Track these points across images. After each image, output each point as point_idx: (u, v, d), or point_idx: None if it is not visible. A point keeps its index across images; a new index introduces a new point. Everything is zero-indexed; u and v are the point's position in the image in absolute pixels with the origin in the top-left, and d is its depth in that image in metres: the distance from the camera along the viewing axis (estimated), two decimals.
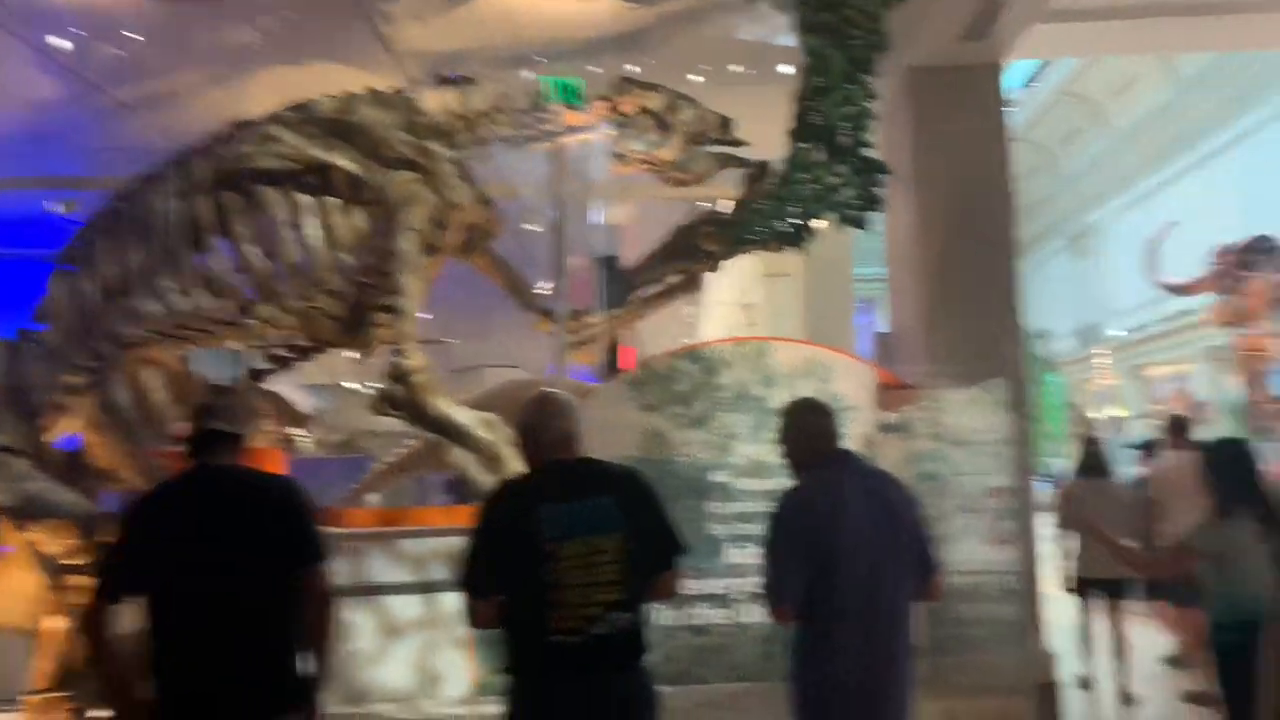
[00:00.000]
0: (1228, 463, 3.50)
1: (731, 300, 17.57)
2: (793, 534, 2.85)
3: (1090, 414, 24.00)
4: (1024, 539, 4.89)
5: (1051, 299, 30.57)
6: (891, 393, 6.21)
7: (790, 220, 4.44)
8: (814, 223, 4.45)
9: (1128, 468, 11.22)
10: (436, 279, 4.85)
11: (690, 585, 5.87)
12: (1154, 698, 6.54)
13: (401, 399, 4.17)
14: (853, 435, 6.29)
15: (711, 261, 4.88)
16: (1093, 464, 6.92)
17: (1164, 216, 13.75)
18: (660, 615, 5.76)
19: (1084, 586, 6.64)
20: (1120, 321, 26.69)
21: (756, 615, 5.40)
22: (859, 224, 4.39)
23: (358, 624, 5.73)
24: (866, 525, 2.86)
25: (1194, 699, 5.88)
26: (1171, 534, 5.65)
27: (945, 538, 5.99)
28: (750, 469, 5.43)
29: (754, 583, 5.34)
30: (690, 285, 4.98)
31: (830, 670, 2.79)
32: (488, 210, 4.76)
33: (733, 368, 6.00)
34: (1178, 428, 6.81)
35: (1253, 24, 7.58)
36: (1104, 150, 27.25)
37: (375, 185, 4.41)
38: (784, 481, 3.14)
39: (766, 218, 4.43)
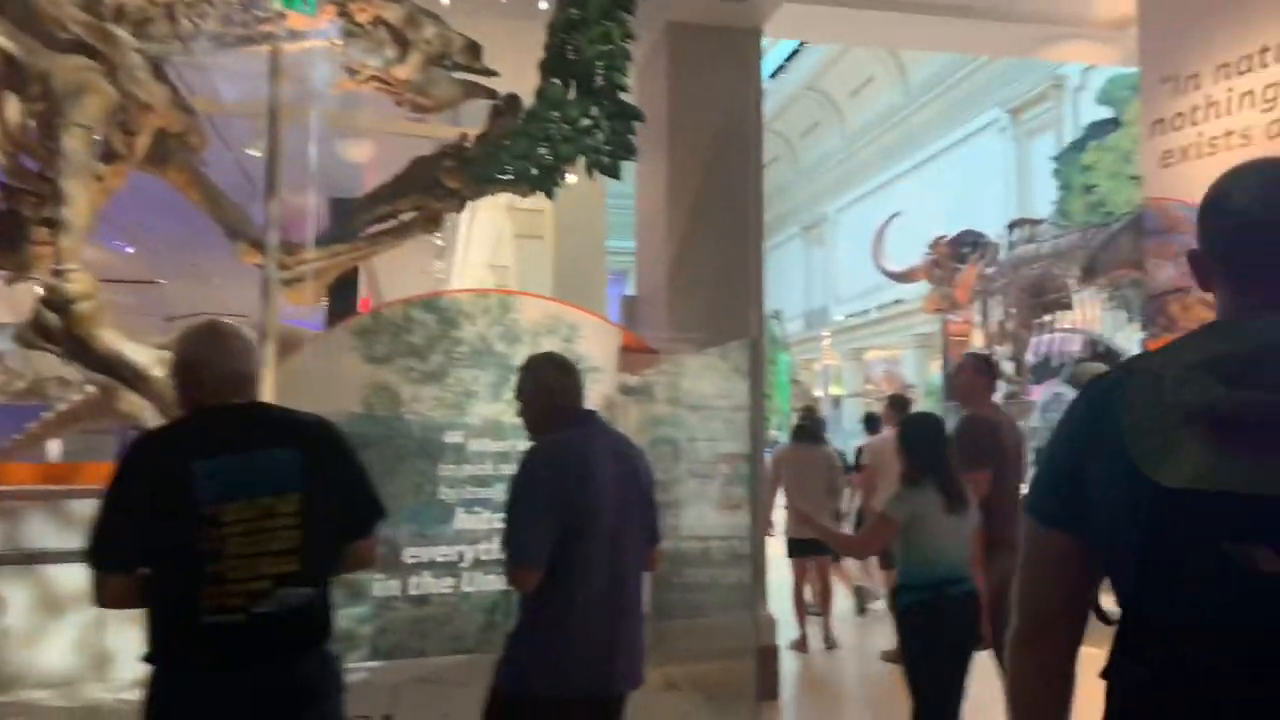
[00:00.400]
0: (918, 435, 3.64)
1: (482, 261, 17.06)
2: (543, 492, 2.55)
3: (814, 391, 25.68)
4: (754, 505, 4.87)
5: (784, 282, 32.51)
6: (633, 355, 6.07)
7: (540, 162, 4.09)
8: (565, 167, 4.11)
9: (841, 438, 11.97)
10: (146, 209, 4.08)
11: (415, 553, 5.49)
12: (858, 647, 6.96)
13: (57, 330, 3.42)
14: (595, 396, 6.16)
15: (454, 200, 4.44)
16: (806, 432, 7.16)
17: (889, 211, 14.72)
18: (377, 586, 5.33)
19: (793, 547, 6.99)
20: (844, 307, 28.83)
21: (481, 584, 5.08)
22: (611, 172, 4.11)
23: (11, 598, 4.87)
24: (613, 487, 2.62)
25: (888, 658, 6.21)
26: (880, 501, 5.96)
27: (678, 502, 5.96)
28: (486, 429, 5.08)
29: (485, 550, 5.05)
30: (429, 224, 4.52)
31: (571, 634, 2.53)
32: (186, 118, 4.05)
33: (473, 321, 5.61)
34: (896, 405, 7.18)
35: (982, 30, 8.10)
36: (839, 146, 29.18)
37: (38, 70, 3.60)
38: (522, 444, 2.81)
39: (514, 156, 4.05)
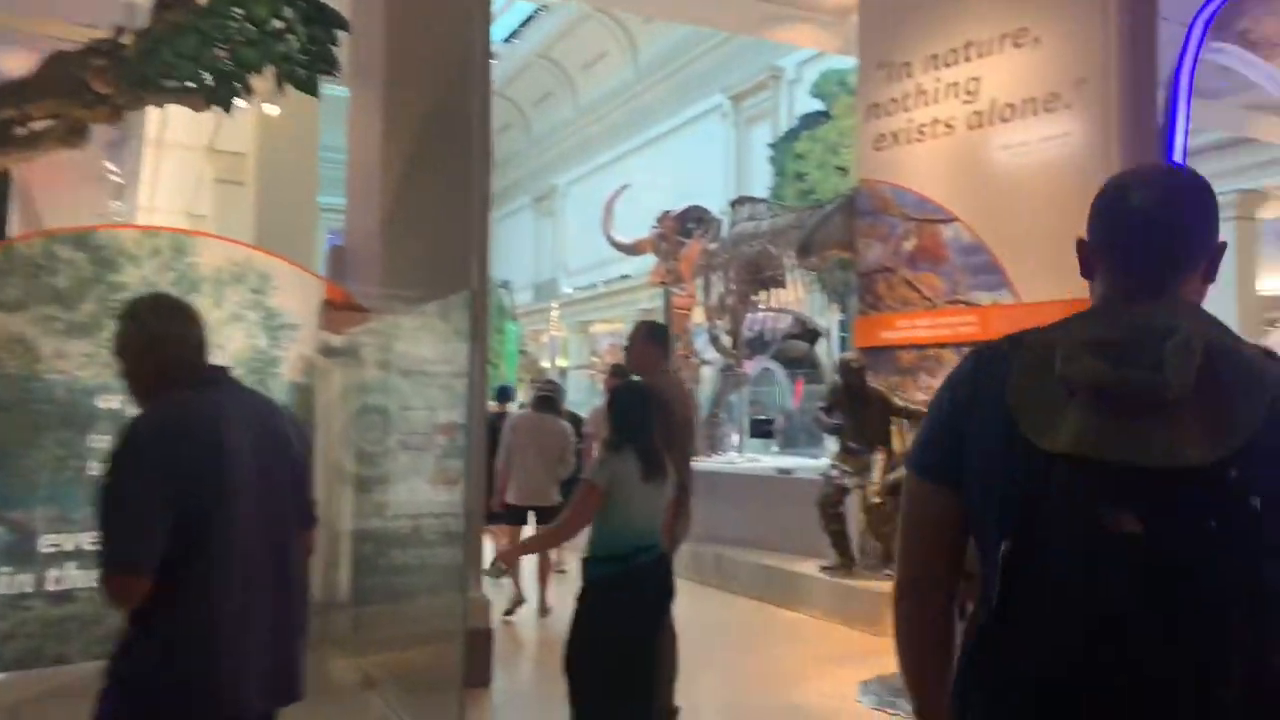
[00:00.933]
0: (624, 402, 3.63)
1: (174, 209, 15.17)
2: (152, 474, 1.93)
3: (541, 362, 25.55)
4: (471, 479, 4.40)
5: (514, 253, 32.09)
6: (339, 312, 5.38)
7: (215, 67, 3.34)
8: (249, 76, 3.39)
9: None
10: None
11: (55, 540, 4.54)
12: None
13: None
14: (293, 358, 5.41)
15: (104, 108, 3.57)
16: (547, 402, 7.21)
17: (618, 186, 14.61)
18: (2, 582, 4.34)
19: (516, 513, 6.88)
20: (573, 280, 28.88)
21: None
22: (308, 86, 3.46)
23: None
24: (253, 463, 2.04)
25: None
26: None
27: (387, 478, 5.37)
28: None
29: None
30: (70, 136, 3.62)
31: (203, 650, 1.95)
32: None
33: (138, 263, 4.70)
34: (618, 374, 7.06)
35: (710, 1, 8.04)
36: (570, 118, 29.08)
37: None
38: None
39: (179, 56, 3.28)
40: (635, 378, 4.39)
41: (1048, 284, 6.25)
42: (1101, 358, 1.18)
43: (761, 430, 8.60)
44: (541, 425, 6.99)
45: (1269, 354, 1.21)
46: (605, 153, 26.80)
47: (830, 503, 6.85)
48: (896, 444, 6.91)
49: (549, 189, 30.60)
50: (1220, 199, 1.34)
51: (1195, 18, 6.10)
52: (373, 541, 5.29)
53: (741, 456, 10.31)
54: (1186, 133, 6.01)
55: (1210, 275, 1.30)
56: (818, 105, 17.70)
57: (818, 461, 9.27)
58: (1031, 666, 1.18)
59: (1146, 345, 1.17)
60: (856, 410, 6.79)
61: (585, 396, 22.07)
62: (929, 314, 6.89)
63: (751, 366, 13.06)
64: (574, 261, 28.29)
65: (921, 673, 1.38)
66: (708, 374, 10.37)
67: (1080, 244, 1.36)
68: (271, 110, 7.14)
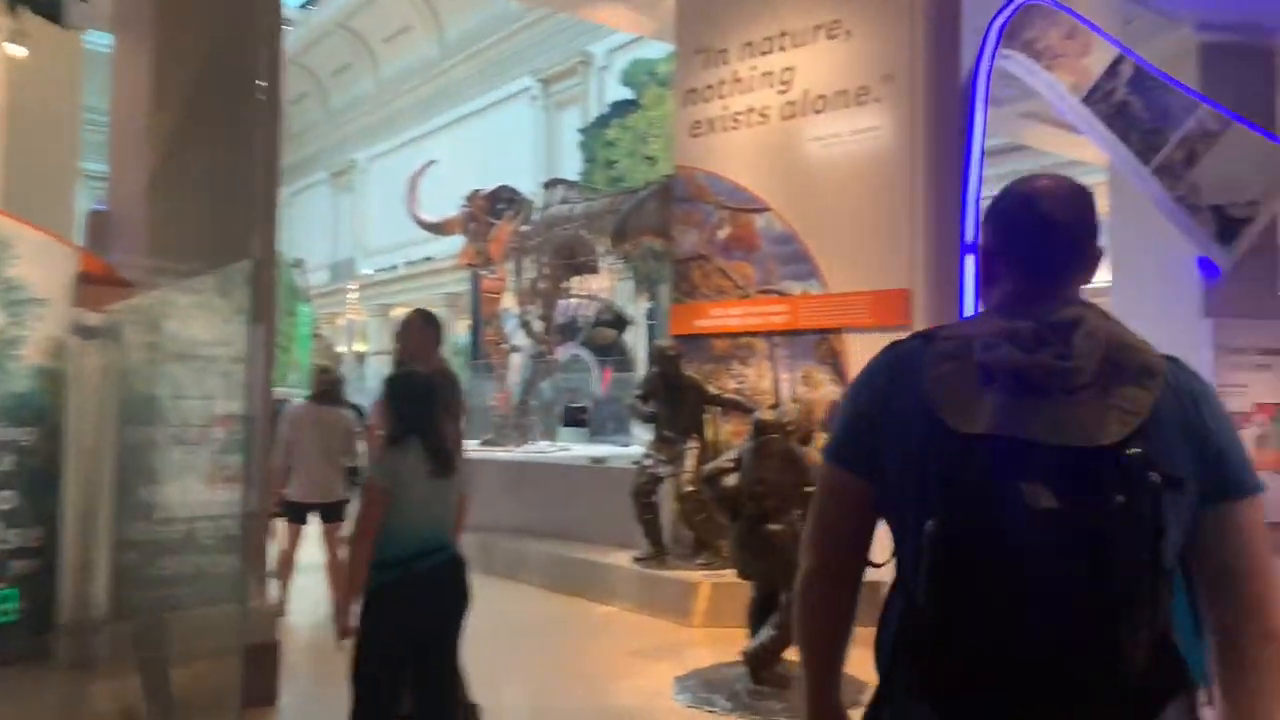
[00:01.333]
0: (404, 393, 3.38)
1: None
2: None
3: (337, 347, 24.25)
4: (254, 477, 3.88)
5: (310, 230, 30.32)
6: (97, 287, 4.65)
7: None
8: None
9: (366, 397, 11.11)
10: None
11: None
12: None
13: None
14: (37, 338, 4.63)
15: None
16: (327, 395, 6.68)
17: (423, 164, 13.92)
18: None
19: (296, 511, 6.34)
20: (372, 261, 27.60)
21: None
22: (48, 10, 2.85)
23: None
24: None
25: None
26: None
27: (155, 477, 4.70)
28: None
29: None
30: None
31: None
32: None
33: None
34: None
35: None
36: (372, 92, 27.75)
37: None
38: None
39: None
40: (409, 366, 4.03)
41: (854, 275, 6.36)
42: (1017, 346, 1.28)
43: (574, 418, 8.36)
44: (321, 417, 6.45)
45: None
46: (409, 130, 25.75)
47: (644, 492, 6.71)
48: (710, 433, 6.86)
49: (348, 164, 29.10)
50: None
51: (991, 22, 6.35)
52: (138, 549, 4.62)
53: (554, 445, 10.05)
54: (984, 135, 6.25)
55: (1091, 275, 1.42)
56: (628, 94, 17.66)
57: (629, 450, 9.16)
58: (962, 638, 1.23)
59: (1056, 335, 1.28)
60: (672, 398, 6.68)
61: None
62: (742, 302, 6.87)
63: (561, 353, 12.86)
64: (374, 241, 27.08)
65: (828, 656, 1.44)
66: (518, 360, 10.03)
67: (983, 251, 1.46)
68: (17, 51, 6.14)
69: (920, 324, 6.07)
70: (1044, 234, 1.38)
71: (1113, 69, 6.81)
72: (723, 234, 7.01)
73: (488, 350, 10.14)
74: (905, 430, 1.32)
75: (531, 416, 10.22)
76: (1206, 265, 7.44)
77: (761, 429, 4.80)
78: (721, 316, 6.98)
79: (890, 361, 1.41)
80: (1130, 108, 7.01)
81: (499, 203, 10.11)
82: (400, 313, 26.07)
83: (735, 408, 6.57)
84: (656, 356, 6.79)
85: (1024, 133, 10.84)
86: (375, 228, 26.90)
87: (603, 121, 17.69)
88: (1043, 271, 1.37)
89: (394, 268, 25.74)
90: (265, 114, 5.00)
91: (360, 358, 25.65)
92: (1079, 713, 1.21)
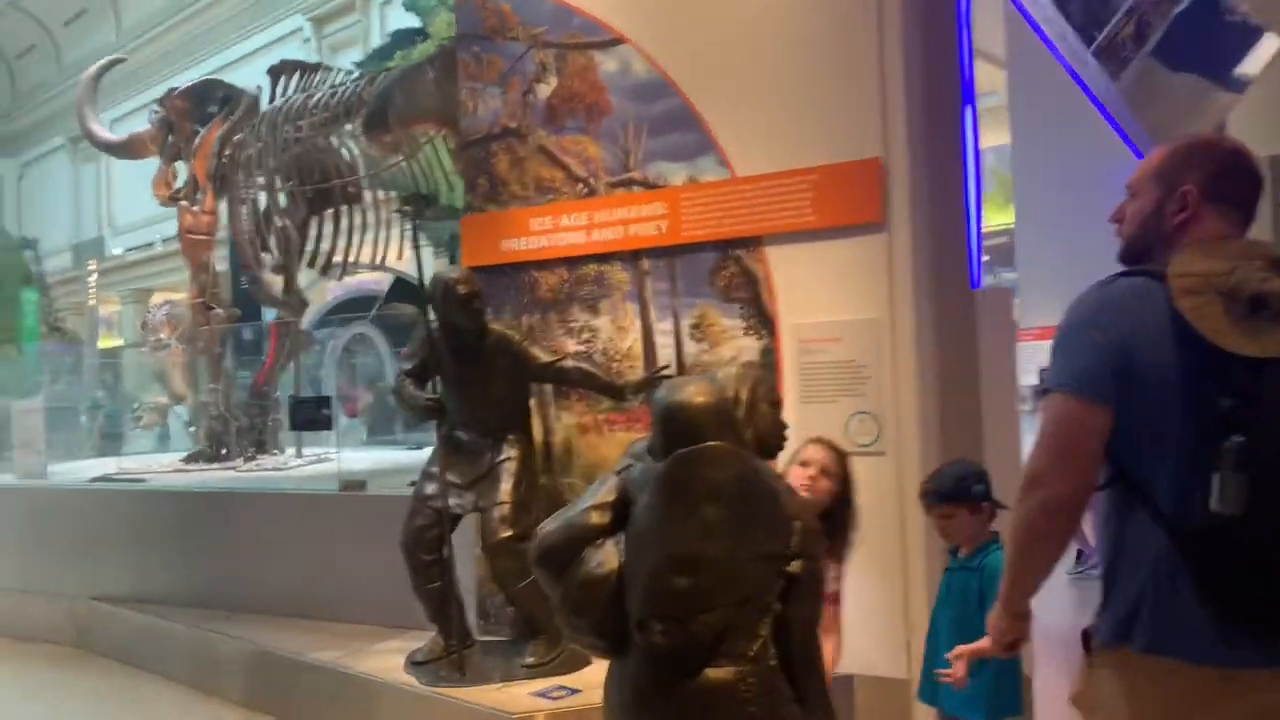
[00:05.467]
0: None
1: None
2: None
3: (82, 333, 19.50)
4: None
5: (48, 205, 24.69)
6: None
7: None
8: None
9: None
10: None
11: None
12: None
13: None
14: None
15: None
16: None
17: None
18: None
19: None
20: (122, 240, 22.57)
21: None
22: None
23: None
24: None
25: None
26: None
27: None
28: None
29: None
30: None
31: None
32: None
33: None
34: None
35: None
36: (114, 42, 22.60)
37: None
38: None
39: None
40: None
41: (782, 146, 3.46)
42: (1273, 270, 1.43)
43: (306, 417, 5.12)
44: None
45: None
46: (161, 84, 20.88)
47: (423, 543, 3.55)
48: (538, 428, 3.81)
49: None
50: None
51: None
52: None
53: (305, 458, 6.59)
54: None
55: None
56: (413, 21, 14.24)
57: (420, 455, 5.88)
58: (1270, 542, 1.36)
59: None
60: (469, 373, 3.57)
61: (142, 380, 16.75)
62: (584, 204, 3.83)
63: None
64: (124, 217, 22.05)
65: (1043, 575, 1.57)
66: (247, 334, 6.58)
67: (1187, 193, 1.55)
68: None
69: (901, 220, 3.27)
70: (1254, 185, 1.58)
71: None
72: (545, 89, 3.93)
73: (198, 317, 6.63)
74: (1160, 357, 1.43)
75: (272, 416, 6.73)
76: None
77: (675, 429, 1.81)
78: (549, 231, 3.90)
79: (1125, 292, 1.51)
80: None
81: (207, 103, 6.55)
82: (161, 298, 21.28)
83: (586, 383, 3.55)
84: (440, 300, 3.58)
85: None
86: (126, 200, 21.87)
87: (384, 54, 14.09)
88: (1248, 216, 1.57)
89: (150, 245, 20.99)
90: None
91: (113, 352, 20.75)
92: None
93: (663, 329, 3.65)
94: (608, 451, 3.72)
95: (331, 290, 13.90)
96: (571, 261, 3.85)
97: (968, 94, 3.52)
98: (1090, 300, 1.52)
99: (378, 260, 6.41)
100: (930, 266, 3.29)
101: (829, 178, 3.33)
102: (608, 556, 1.82)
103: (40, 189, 25.26)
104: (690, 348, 3.59)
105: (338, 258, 6.26)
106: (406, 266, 3.50)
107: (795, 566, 1.79)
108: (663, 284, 3.66)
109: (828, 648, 2.24)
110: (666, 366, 3.48)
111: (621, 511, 1.84)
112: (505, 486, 3.47)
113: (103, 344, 20.41)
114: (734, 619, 1.74)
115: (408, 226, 3.65)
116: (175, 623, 4.54)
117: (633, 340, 3.72)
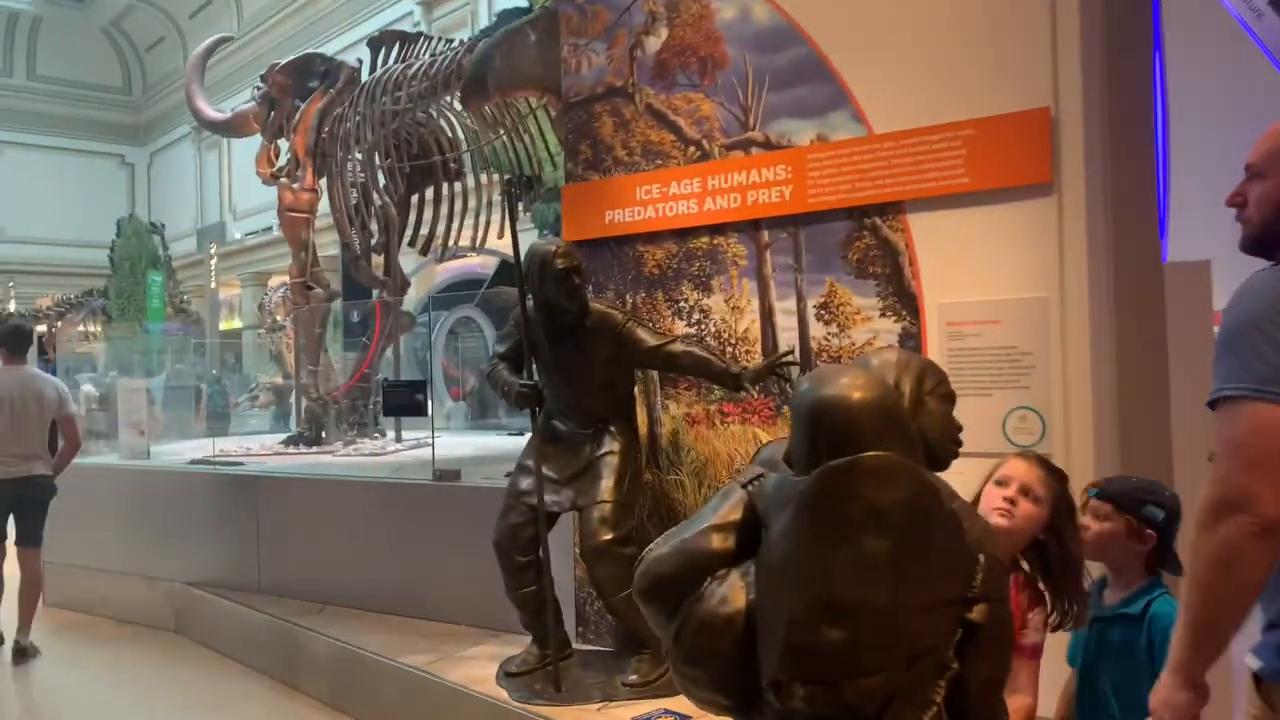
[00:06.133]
0: None
1: None
2: None
3: (204, 316, 20.20)
4: None
5: (174, 192, 25.81)
6: None
7: None
8: None
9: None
10: None
11: None
12: None
13: None
14: None
15: None
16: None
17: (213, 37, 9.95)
18: None
19: None
20: (241, 225, 23.33)
21: None
22: None
23: None
24: None
25: None
26: None
27: None
28: None
29: None
30: None
31: None
32: None
33: None
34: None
35: None
36: (235, 31, 23.39)
37: None
38: None
39: None
40: None
41: (928, 99, 2.97)
42: None
43: (398, 403, 4.88)
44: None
45: None
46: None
47: (517, 542, 3.25)
48: (643, 419, 3.45)
49: None
50: None
51: None
52: None
53: (401, 443, 6.41)
54: None
55: None
56: (520, 1, 14.03)
57: (523, 442, 5.62)
58: None
59: None
60: (567, 357, 3.24)
61: (260, 361, 17.28)
62: (696, 169, 3.43)
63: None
64: (245, 202, 22.81)
65: (1238, 623, 1.34)
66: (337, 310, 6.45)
67: None
68: None
69: (1074, 181, 2.74)
70: None
71: None
72: (654, 42, 3.54)
73: (294, 298, 6.56)
74: None
75: (375, 399, 6.59)
76: None
77: (825, 432, 1.39)
78: (657, 200, 3.52)
79: None
80: None
81: (308, 78, 6.42)
82: (277, 281, 21.94)
83: (698, 370, 3.16)
84: (535, 277, 3.25)
85: None
86: (246, 187, 22.61)
87: (486, 34, 13.94)
88: None
89: (269, 229, 21.62)
90: None
91: (231, 335, 21.53)
92: None
93: (785, 309, 3.22)
94: (720, 446, 3.33)
95: (440, 273, 13.89)
96: (682, 234, 3.46)
97: (1155, 33, 2.96)
98: (1269, 290, 1.34)
99: (477, 242, 6.16)
100: (1109, 236, 2.76)
101: (986, 132, 2.83)
102: (733, 592, 1.41)
103: (167, 176, 26.44)
104: (816, 330, 3.15)
105: (438, 239, 6.04)
106: (509, 248, 3.24)
107: (977, 613, 1.36)
108: (785, 258, 3.22)
109: (1018, 714, 1.79)
110: (790, 352, 3.04)
111: (749, 534, 1.44)
112: (606, 484, 3.12)
113: (224, 326, 21.19)
114: (902, 683, 1.32)
115: (508, 207, 3.31)
116: (265, 614, 4.38)
117: (750, 322, 3.30)
